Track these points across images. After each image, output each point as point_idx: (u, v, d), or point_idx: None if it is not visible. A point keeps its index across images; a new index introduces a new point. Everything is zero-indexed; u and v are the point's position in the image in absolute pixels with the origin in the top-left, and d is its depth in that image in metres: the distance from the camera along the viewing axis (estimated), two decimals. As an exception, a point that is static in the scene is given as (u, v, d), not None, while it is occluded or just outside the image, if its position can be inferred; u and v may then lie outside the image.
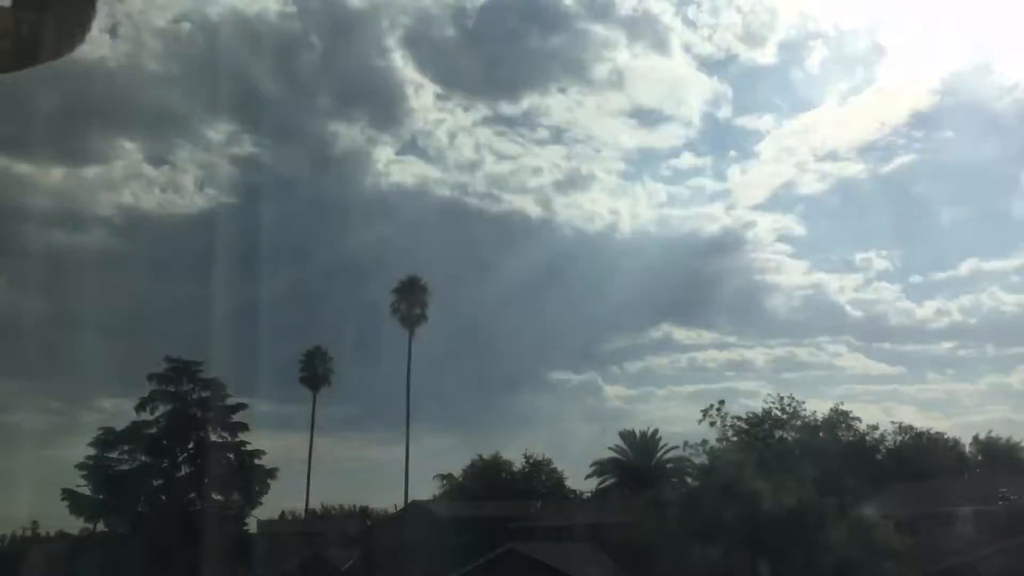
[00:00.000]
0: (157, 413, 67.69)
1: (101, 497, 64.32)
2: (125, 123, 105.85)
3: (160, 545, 60.27)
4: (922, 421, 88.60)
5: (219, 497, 66.11)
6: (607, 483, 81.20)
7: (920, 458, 61.38)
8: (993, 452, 65.73)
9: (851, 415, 57.33)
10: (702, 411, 58.62)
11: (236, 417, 68.92)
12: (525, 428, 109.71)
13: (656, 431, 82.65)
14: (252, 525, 67.89)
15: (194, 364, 69.19)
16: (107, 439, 66.08)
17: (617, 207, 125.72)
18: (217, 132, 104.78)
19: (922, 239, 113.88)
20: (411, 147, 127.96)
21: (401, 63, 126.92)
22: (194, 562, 59.80)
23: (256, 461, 68.21)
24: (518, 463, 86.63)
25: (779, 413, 58.41)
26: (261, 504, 68.41)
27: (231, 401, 69.32)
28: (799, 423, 57.54)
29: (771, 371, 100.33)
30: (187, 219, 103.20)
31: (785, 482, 24.81)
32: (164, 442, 66.50)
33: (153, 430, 67.26)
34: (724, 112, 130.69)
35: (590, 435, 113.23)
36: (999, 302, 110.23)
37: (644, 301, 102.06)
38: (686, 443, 63.89)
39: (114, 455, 66.43)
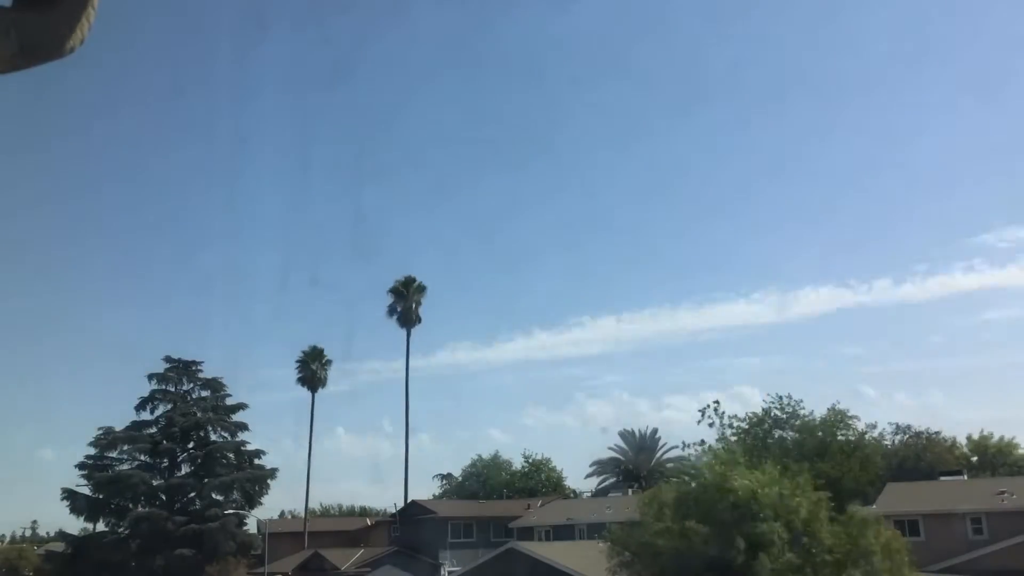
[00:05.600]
0: (157, 413, 67.75)
1: (101, 497, 64.27)
2: None
3: (159, 545, 60.24)
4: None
5: (219, 497, 66.08)
6: (607, 482, 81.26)
7: (918, 457, 61.41)
8: (987, 451, 65.78)
9: (849, 414, 57.30)
10: (700, 411, 59.08)
11: (236, 417, 68.98)
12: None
13: (656, 431, 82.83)
14: (252, 524, 67.82)
15: (194, 364, 69.22)
16: (107, 439, 66.06)
17: None
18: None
19: None
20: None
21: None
22: (194, 562, 59.80)
23: (256, 461, 68.20)
24: (518, 462, 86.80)
25: (778, 412, 58.47)
26: (261, 504, 68.44)
27: (231, 401, 69.40)
28: (798, 422, 57.54)
29: None
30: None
31: (781, 481, 24.81)
32: (164, 442, 66.46)
33: (153, 430, 67.23)
34: None
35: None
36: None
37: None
38: (684, 443, 64.37)
39: (114, 455, 66.45)
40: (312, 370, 72.23)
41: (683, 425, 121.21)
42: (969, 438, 67.57)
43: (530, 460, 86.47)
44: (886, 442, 63.50)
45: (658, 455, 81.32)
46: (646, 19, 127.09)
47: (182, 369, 68.90)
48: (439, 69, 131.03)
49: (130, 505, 64.22)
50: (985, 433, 67.30)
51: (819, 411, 57.97)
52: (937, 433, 65.61)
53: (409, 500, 69.64)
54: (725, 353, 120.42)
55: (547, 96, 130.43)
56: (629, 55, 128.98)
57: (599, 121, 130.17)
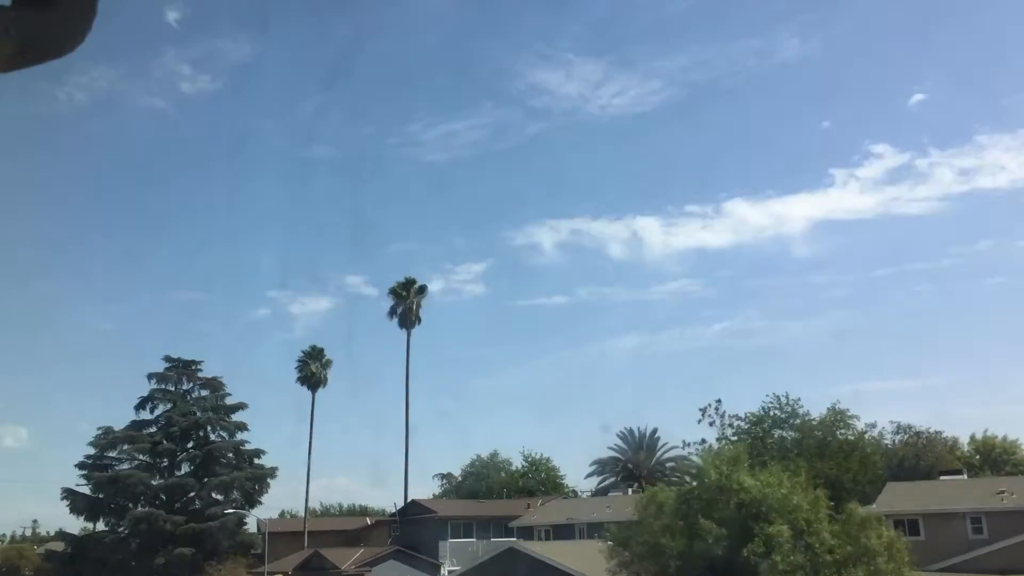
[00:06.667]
0: (156, 412, 67.76)
1: (101, 496, 64.27)
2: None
3: (159, 544, 60.26)
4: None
5: (219, 497, 66.07)
6: (606, 482, 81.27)
7: (918, 457, 61.44)
8: (992, 450, 65.81)
9: (849, 414, 57.34)
10: (700, 410, 59.11)
11: (235, 416, 68.96)
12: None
13: (655, 430, 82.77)
14: (252, 524, 67.82)
15: (194, 363, 69.20)
16: (107, 439, 66.05)
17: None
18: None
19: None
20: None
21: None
22: (193, 561, 59.82)
23: (256, 460, 68.18)
24: (517, 462, 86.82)
25: (777, 412, 58.53)
26: (261, 503, 68.43)
27: (231, 400, 69.38)
28: (797, 422, 57.60)
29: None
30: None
31: (783, 481, 24.79)
32: (163, 442, 66.46)
33: (152, 429, 67.24)
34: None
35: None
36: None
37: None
38: (684, 442, 64.35)
39: (114, 454, 66.43)
40: (312, 370, 72.17)
41: (684, 423, 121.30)
42: (972, 438, 67.63)
43: (529, 459, 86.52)
44: (886, 441, 63.58)
45: (658, 455, 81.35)
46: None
47: (182, 369, 68.92)
48: (439, 65, 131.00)
49: (130, 505, 64.21)
50: (989, 434, 67.40)
51: (817, 410, 58.12)
52: (938, 433, 65.67)
53: (409, 499, 69.69)
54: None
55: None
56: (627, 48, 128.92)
57: (600, 118, 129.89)
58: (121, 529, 63.68)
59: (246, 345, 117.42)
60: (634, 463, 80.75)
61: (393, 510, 69.94)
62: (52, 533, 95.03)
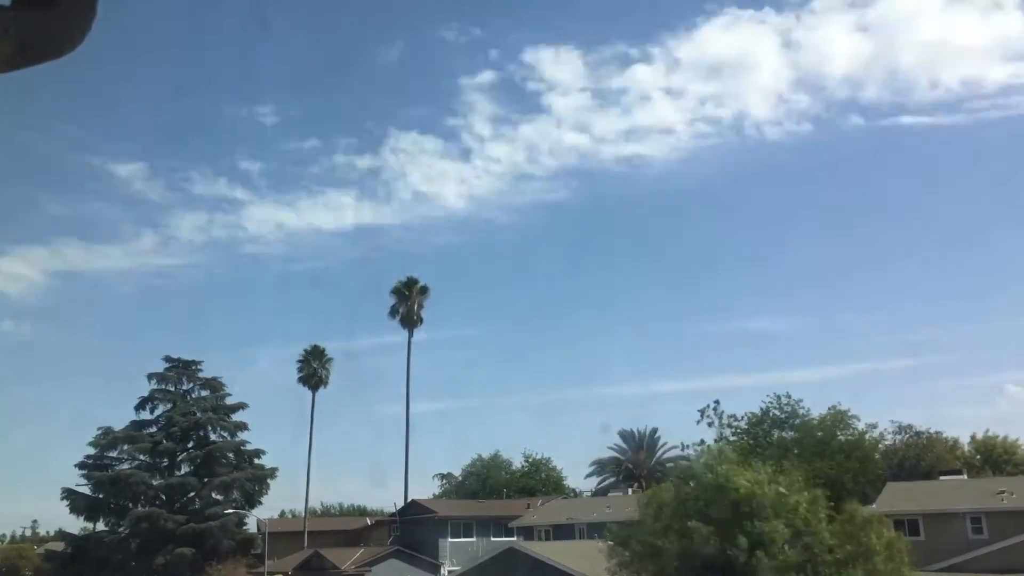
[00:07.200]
0: (157, 412, 67.77)
1: (101, 496, 64.28)
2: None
3: (159, 544, 60.26)
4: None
5: (219, 497, 66.07)
6: (606, 482, 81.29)
7: (918, 457, 61.43)
8: (992, 451, 65.80)
9: (849, 414, 57.27)
10: (699, 411, 59.06)
11: (236, 416, 68.95)
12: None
13: (655, 430, 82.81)
14: (252, 524, 67.78)
15: (194, 363, 69.20)
16: (107, 439, 66.04)
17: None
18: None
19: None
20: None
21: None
22: (194, 561, 59.81)
23: (256, 460, 68.17)
24: (518, 462, 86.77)
25: (777, 412, 58.47)
26: (261, 503, 68.43)
27: (231, 400, 69.36)
28: (797, 422, 57.53)
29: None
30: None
31: (777, 478, 24.78)
32: (164, 442, 66.46)
33: (153, 429, 67.24)
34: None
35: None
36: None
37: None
38: (683, 444, 64.29)
39: (114, 454, 66.44)
40: (313, 368, 72.15)
41: (683, 422, 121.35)
42: (973, 437, 67.63)
43: (530, 460, 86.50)
44: (887, 442, 63.54)
45: (658, 455, 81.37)
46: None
47: (182, 369, 68.94)
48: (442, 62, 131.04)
49: (130, 505, 64.21)
50: (990, 434, 67.42)
51: (818, 410, 58.06)
52: (939, 433, 65.67)
53: (409, 500, 69.66)
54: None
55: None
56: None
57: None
58: (121, 529, 63.67)
59: (247, 344, 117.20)
60: (634, 463, 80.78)
61: (393, 510, 69.95)
62: (52, 533, 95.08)
